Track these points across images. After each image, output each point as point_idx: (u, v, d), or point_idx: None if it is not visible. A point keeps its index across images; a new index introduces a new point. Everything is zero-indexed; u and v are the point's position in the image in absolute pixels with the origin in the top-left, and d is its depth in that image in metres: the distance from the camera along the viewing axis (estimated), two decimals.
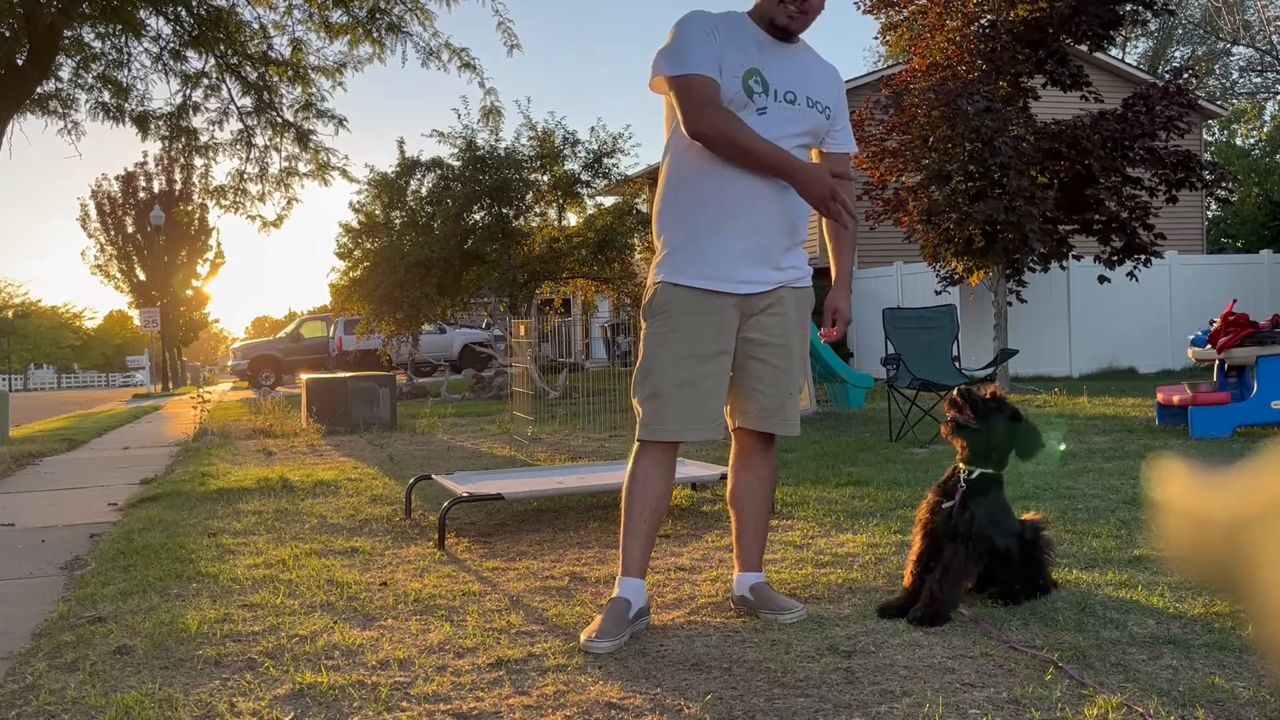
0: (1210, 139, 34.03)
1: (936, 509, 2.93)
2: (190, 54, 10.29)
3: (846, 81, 18.39)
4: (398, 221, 16.54)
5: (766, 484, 3.02)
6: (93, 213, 37.02)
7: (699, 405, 2.81)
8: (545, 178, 16.42)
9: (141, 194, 37.03)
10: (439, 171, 16.15)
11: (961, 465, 2.95)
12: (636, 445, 2.88)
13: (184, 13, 9.92)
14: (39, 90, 9.76)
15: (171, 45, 10.21)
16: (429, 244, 15.47)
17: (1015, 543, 2.92)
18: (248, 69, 10.66)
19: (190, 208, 32.70)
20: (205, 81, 10.54)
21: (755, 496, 3.01)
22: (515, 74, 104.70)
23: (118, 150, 79.43)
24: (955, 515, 2.86)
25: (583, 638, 2.67)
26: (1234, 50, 35.53)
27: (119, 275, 37.22)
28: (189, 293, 39.50)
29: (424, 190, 16.43)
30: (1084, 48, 12.88)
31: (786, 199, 2.82)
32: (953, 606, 2.81)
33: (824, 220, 2.92)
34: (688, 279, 2.81)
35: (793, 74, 2.84)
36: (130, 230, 37.00)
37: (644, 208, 17.19)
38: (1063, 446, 6.57)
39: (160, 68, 10.32)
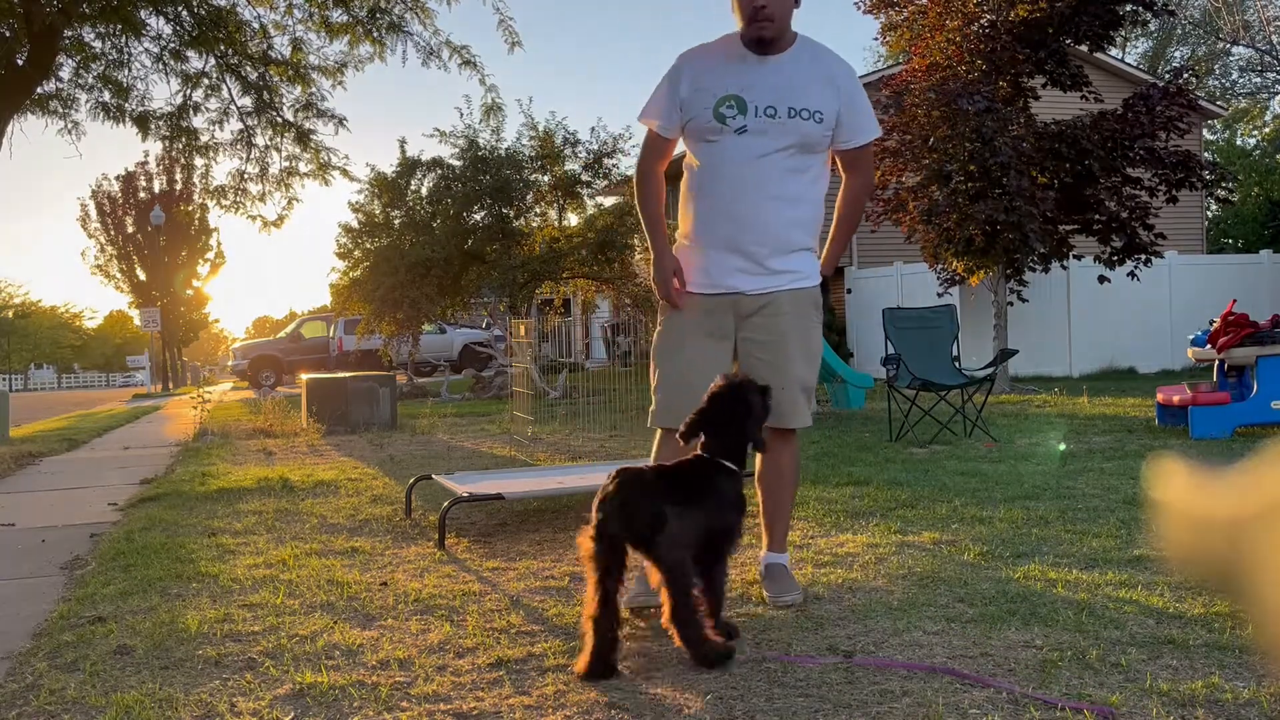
0: (1211, 139, 34.02)
1: None
2: (190, 54, 10.27)
3: None
4: (398, 221, 16.54)
5: (785, 473, 3.18)
6: (93, 213, 36.98)
7: (692, 397, 2.94)
8: (545, 178, 16.43)
9: (141, 194, 36.97)
10: (439, 171, 16.14)
11: None
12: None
13: (184, 13, 9.90)
14: (39, 90, 9.76)
15: (171, 45, 10.20)
16: (429, 244, 15.46)
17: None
18: (248, 69, 10.65)
19: (190, 208, 32.63)
20: (205, 81, 10.53)
21: (773, 486, 3.18)
22: (516, 75, 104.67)
23: (118, 150, 79.44)
24: None
25: (629, 598, 2.87)
26: (1234, 50, 35.52)
27: (119, 275, 37.17)
28: (189, 293, 39.49)
29: (424, 190, 16.42)
30: (1084, 48, 12.86)
31: (770, 215, 2.98)
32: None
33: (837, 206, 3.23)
34: (686, 285, 3.08)
35: (775, 88, 2.95)
36: (130, 230, 36.95)
37: None
38: (1063, 446, 6.57)
39: (160, 68, 10.31)
